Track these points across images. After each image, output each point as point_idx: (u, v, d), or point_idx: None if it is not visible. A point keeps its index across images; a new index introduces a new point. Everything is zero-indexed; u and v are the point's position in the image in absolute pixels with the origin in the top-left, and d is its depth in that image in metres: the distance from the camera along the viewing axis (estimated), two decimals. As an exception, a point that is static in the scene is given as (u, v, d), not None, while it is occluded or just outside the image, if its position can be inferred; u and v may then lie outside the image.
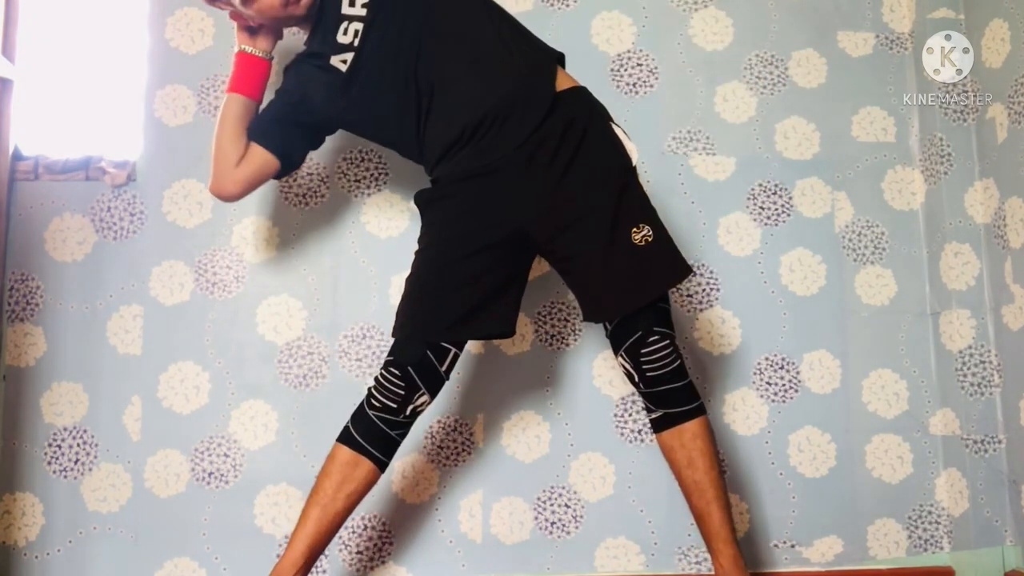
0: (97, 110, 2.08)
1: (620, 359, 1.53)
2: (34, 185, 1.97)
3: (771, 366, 2.01)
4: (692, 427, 1.54)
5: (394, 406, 1.53)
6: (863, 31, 2.14)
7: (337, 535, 1.87)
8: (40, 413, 1.91)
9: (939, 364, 2.02)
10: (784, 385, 2.01)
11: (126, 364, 1.93)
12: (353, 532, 1.91)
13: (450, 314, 1.54)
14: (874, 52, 2.14)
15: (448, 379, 1.58)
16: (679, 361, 1.52)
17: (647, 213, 1.52)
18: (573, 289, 1.58)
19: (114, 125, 2.05)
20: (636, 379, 1.52)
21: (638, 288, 1.49)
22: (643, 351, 1.49)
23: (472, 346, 1.97)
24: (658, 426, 1.56)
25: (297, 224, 2.00)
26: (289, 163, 1.70)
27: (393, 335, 1.58)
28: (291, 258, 1.99)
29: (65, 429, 1.91)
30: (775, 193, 2.07)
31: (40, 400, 1.91)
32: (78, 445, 1.91)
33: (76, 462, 1.90)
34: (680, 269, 1.52)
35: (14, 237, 1.95)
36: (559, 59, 1.63)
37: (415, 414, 1.56)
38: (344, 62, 1.59)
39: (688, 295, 2.02)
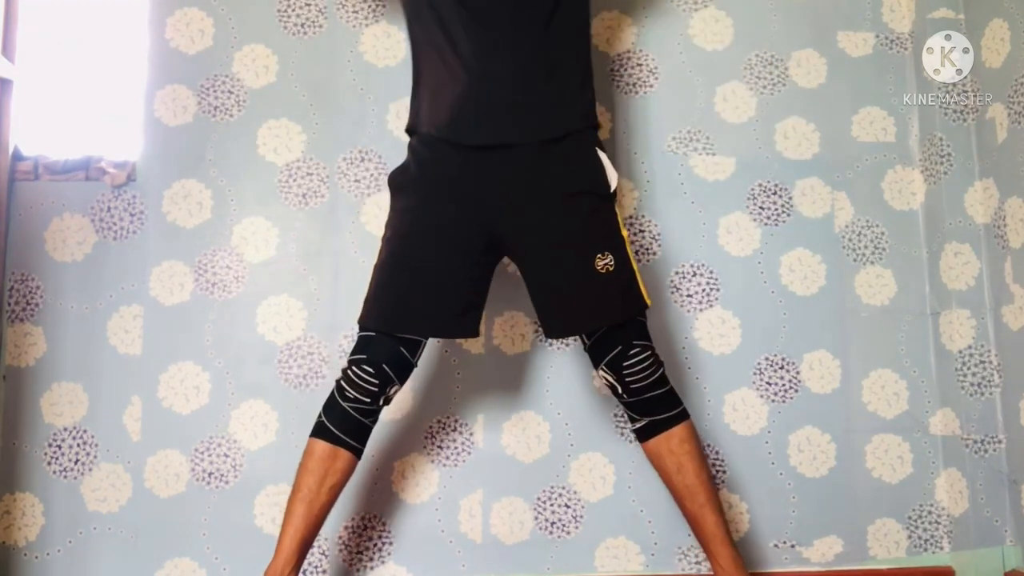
0: (97, 110, 2.08)
1: (601, 372, 1.54)
2: (34, 185, 1.97)
3: (771, 366, 2.01)
4: (678, 432, 1.55)
5: (367, 400, 1.55)
6: (863, 31, 2.14)
7: (337, 535, 1.88)
8: (40, 413, 1.91)
9: (939, 364, 2.02)
10: (784, 385, 2.01)
11: (126, 364, 1.93)
12: (353, 532, 1.91)
13: (423, 310, 1.55)
14: (874, 52, 2.14)
15: (417, 365, 1.61)
16: (660, 369, 1.54)
17: (614, 243, 1.53)
18: (533, 302, 1.59)
19: (114, 125, 2.05)
20: (619, 390, 1.53)
21: (588, 314, 1.51)
22: (625, 364, 1.50)
23: (472, 346, 1.97)
24: (643, 435, 1.57)
25: (297, 224, 2.00)
26: None
27: (360, 323, 1.59)
28: (291, 258, 1.99)
29: (65, 429, 1.91)
30: (775, 193, 2.07)
31: (40, 400, 1.91)
32: (78, 445, 1.91)
33: (76, 462, 1.90)
34: (634, 304, 1.52)
35: (14, 237, 1.95)
36: (594, 127, 1.62)
37: (388, 401, 1.59)
38: None
39: (688, 295, 2.02)
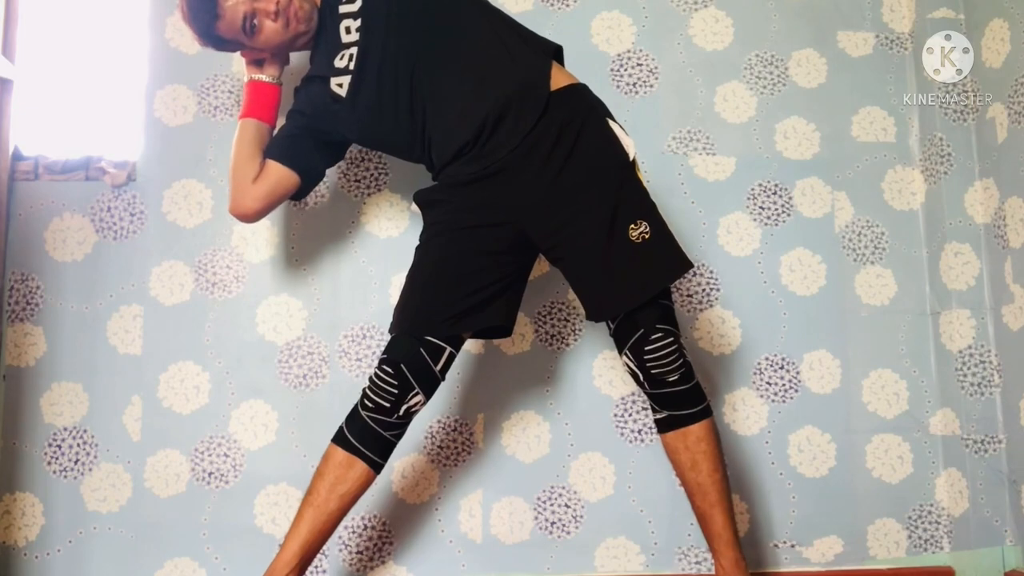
0: (97, 110, 2.08)
1: (624, 358, 1.52)
2: (34, 185, 1.97)
3: (771, 366, 2.01)
4: (696, 430, 1.53)
5: (387, 406, 1.54)
6: (863, 31, 2.14)
7: (337, 535, 1.88)
8: (40, 413, 1.91)
9: (939, 364, 2.02)
10: (784, 385, 2.01)
11: (126, 364, 1.93)
12: (353, 532, 1.91)
13: (442, 311, 1.54)
14: (874, 52, 2.14)
15: (444, 380, 1.59)
16: (683, 359, 1.52)
17: (645, 209, 1.51)
18: (574, 288, 1.58)
19: (114, 125, 2.05)
20: (641, 378, 1.52)
21: (636, 286, 1.48)
22: (647, 348, 1.48)
23: (472, 346, 1.97)
24: (662, 427, 1.56)
25: (297, 224, 2.00)
26: (308, 177, 1.70)
27: (390, 332, 1.59)
28: (291, 258, 1.99)
29: (65, 429, 1.91)
30: (775, 193, 2.07)
31: (40, 400, 1.91)
32: (78, 445, 1.91)
33: (76, 462, 1.90)
34: (678, 265, 1.51)
35: (14, 237, 1.95)
36: (557, 52, 1.63)
37: (409, 415, 1.56)
38: (341, 86, 1.59)
39: (688, 295, 2.02)
